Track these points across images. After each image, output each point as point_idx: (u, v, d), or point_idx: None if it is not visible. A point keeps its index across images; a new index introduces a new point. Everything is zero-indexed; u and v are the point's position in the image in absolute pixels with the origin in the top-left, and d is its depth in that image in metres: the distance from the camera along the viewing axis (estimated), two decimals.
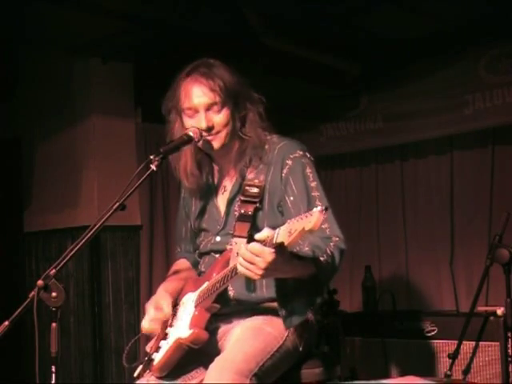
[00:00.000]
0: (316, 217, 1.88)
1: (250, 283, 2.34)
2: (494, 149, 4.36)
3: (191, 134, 2.32)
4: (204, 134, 2.33)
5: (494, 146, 4.36)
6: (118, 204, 2.08)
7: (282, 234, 1.95)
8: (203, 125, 2.32)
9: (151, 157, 2.18)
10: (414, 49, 4.39)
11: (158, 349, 2.41)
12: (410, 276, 4.65)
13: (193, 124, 2.35)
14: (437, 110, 4.39)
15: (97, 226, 2.06)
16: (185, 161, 2.46)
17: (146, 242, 4.67)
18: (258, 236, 2.03)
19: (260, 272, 2.04)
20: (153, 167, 2.16)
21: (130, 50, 4.38)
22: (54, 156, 4.76)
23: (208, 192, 2.53)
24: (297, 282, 2.24)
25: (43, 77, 4.79)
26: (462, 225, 4.49)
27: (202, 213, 2.54)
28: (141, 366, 2.43)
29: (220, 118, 2.35)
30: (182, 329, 2.32)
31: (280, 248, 1.99)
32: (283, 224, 2.33)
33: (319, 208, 1.91)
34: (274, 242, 1.97)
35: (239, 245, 2.26)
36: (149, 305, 2.43)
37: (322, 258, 2.20)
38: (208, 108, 2.33)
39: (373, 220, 4.89)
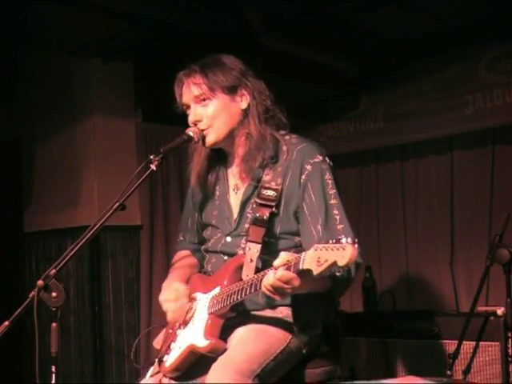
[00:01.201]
0: (350, 252, 1.83)
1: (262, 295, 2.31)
2: (494, 149, 4.36)
3: (191, 133, 2.32)
4: (198, 127, 2.34)
5: (494, 145, 4.36)
6: (118, 204, 2.08)
7: (309, 262, 1.91)
8: (191, 118, 2.36)
9: (151, 157, 2.18)
10: (414, 49, 4.39)
11: (168, 350, 2.37)
12: (410, 276, 4.65)
13: (189, 119, 2.38)
14: (437, 110, 4.39)
15: (97, 226, 2.06)
16: (200, 153, 2.45)
17: (146, 241, 4.67)
18: (277, 263, 2.00)
19: (285, 296, 2.06)
20: (153, 167, 2.17)
21: (129, 49, 4.38)
22: (54, 156, 4.75)
23: (219, 187, 2.49)
24: (312, 297, 2.23)
25: (43, 77, 4.79)
26: (462, 225, 4.49)
27: (210, 207, 2.51)
28: (152, 368, 2.41)
29: (207, 110, 2.34)
30: (197, 336, 2.27)
31: (305, 273, 1.96)
32: (297, 231, 2.31)
33: (350, 240, 1.85)
34: (301, 267, 1.94)
35: (252, 251, 2.24)
36: (164, 294, 2.40)
37: (338, 274, 2.17)
38: (196, 102, 2.35)
39: (373, 220, 4.88)
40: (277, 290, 2.01)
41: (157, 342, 2.48)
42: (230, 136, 2.38)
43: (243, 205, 2.40)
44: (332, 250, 1.86)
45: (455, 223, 4.52)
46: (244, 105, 2.38)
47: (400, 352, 3.89)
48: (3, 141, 5.13)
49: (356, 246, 1.85)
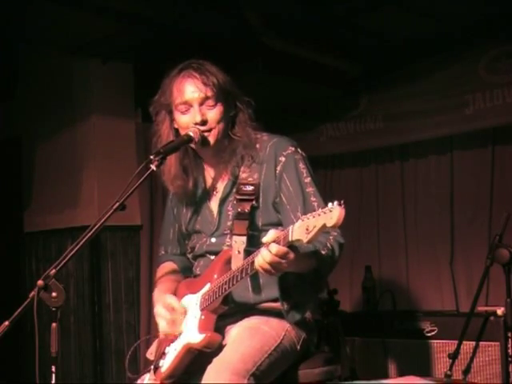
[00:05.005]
0: (337, 212, 1.85)
1: (253, 285, 2.34)
2: (494, 149, 4.36)
3: (191, 134, 2.31)
4: (199, 128, 2.33)
5: (494, 145, 4.36)
6: (118, 204, 2.08)
7: (298, 232, 1.93)
8: (198, 118, 2.32)
9: (151, 157, 2.18)
10: (414, 49, 4.39)
11: (163, 355, 2.36)
12: (410, 276, 4.65)
13: (187, 120, 2.35)
14: (437, 110, 4.39)
15: (97, 226, 2.06)
16: (169, 165, 2.44)
17: (145, 242, 4.67)
18: (265, 239, 2.03)
19: (280, 272, 2.07)
20: (153, 167, 2.16)
21: (129, 50, 4.38)
22: (54, 156, 4.75)
23: (200, 194, 2.52)
24: (298, 276, 2.25)
25: (43, 77, 4.79)
26: (462, 225, 4.48)
27: (194, 215, 2.54)
28: (148, 375, 2.39)
29: (214, 113, 2.35)
30: (191, 334, 2.28)
31: (294, 245, 2.00)
32: (278, 221, 2.34)
33: (336, 202, 1.87)
34: (290, 239, 1.96)
35: (239, 243, 2.26)
36: (158, 308, 2.40)
37: (323, 252, 2.21)
38: (201, 103, 2.34)
39: (373, 220, 4.88)
40: (274, 266, 2.03)
41: (150, 353, 2.45)
42: (221, 140, 2.39)
43: (222, 203, 2.44)
44: (319, 215, 1.89)
45: (455, 223, 4.52)
46: (234, 112, 2.41)
47: (400, 352, 3.89)
48: (3, 141, 5.13)
49: (343, 206, 1.86)
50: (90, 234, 2.05)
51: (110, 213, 2.07)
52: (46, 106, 4.80)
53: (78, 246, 2.02)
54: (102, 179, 4.48)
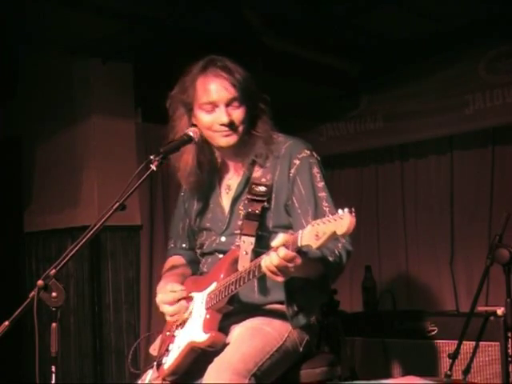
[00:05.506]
0: (348, 220, 1.83)
1: (259, 286, 2.34)
2: (494, 149, 4.36)
3: (191, 134, 2.31)
4: (223, 128, 2.31)
5: (494, 145, 4.36)
6: (118, 204, 2.08)
7: (308, 237, 1.92)
8: (225, 119, 2.29)
9: (151, 157, 2.17)
10: (414, 49, 4.39)
11: (166, 352, 2.36)
12: (410, 276, 4.65)
13: (211, 119, 2.32)
14: (437, 110, 4.39)
15: (97, 226, 2.06)
16: (185, 162, 2.43)
17: (146, 241, 4.67)
18: (274, 243, 2.02)
19: (287, 276, 2.06)
20: (153, 167, 2.16)
21: (129, 50, 4.38)
22: (54, 156, 4.76)
23: (211, 190, 2.50)
24: (304, 282, 2.24)
25: (43, 77, 4.79)
26: (462, 225, 4.48)
27: (204, 211, 2.52)
28: (151, 372, 2.39)
29: (239, 113, 2.32)
30: (196, 332, 2.28)
31: (302, 250, 1.99)
32: (289, 224, 2.33)
33: (346, 210, 1.85)
34: (299, 244, 1.95)
35: (247, 244, 2.25)
36: (158, 295, 2.39)
37: (330, 258, 2.20)
38: (228, 103, 2.31)
39: (373, 220, 4.88)
40: (281, 269, 2.02)
41: (153, 349, 2.46)
42: (242, 139, 2.37)
43: (234, 202, 2.43)
44: (329, 221, 1.88)
45: (455, 223, 4.52)
46: (255, 112, 2.39)
47: (400, 352, 3.89)
48: (3, 141, 5.13)
49: (353, 214, 1.84)
50: (89, 233, 2.05)
51: (110, 213, 2.07)
52: (46, 106, 4.80)
53: (77, 246, 2.02)
54: (102, 179, 4.48)
